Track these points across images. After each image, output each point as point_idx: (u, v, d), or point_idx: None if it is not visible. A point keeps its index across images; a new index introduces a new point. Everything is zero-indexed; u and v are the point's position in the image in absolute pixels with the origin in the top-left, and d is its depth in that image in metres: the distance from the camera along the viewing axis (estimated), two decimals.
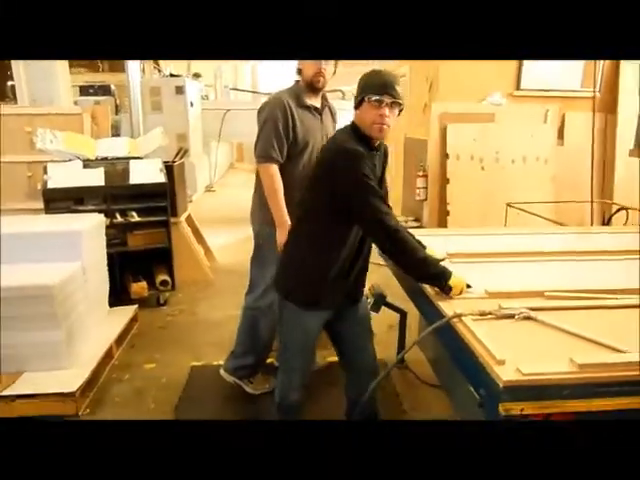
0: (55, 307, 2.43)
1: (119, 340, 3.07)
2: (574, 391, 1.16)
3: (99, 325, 3.00)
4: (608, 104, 4.62)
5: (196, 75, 8.24)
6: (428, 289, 1.73)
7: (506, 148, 4.35)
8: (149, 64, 8.16)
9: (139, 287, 3.63)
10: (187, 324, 3.51)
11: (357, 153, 1.63)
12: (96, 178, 3.54)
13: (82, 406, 2.44)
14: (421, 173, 4.56)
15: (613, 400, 1.16)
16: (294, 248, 1.82)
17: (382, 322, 3.28)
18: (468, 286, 1.70)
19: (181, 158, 4.31)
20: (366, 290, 2.52)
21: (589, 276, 1.89)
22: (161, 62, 8.82)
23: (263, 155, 2.26)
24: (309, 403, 2.02)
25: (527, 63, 4.52)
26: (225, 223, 6.41)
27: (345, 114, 2.55)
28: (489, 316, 1.49)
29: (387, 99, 1.64)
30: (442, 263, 1.75)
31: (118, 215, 3.61)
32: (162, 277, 3.77)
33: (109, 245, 3.34)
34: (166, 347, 3.14)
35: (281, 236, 2.16)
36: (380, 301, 2.46)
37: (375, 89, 1.65)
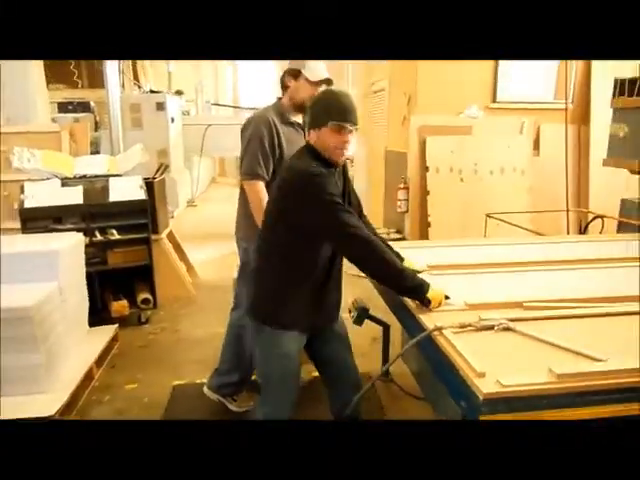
0: (33, 329, 2.38)
1: (99, 361, 3.01)
2: (553, 401, 1.17)
3: (78, 346, 2.95)
4: (581, 115, 4.74)
5: (179, 92, 8.23)
6: (409, 302, 1.74)
7: (484, 159, 4.43)
8: (129, 80, 8.13)
9: (120, 306, 3.57)
10: (169, 342, 3.46)
11: (319, 174, 1.62)
12: (75, 196, 3.50)
13: None
14: (402, 185, 4.60)
15: (592, 409, 1.18)
16: (266, 272, 1.79)
17: (365, 335, 3.28)
18: (447, 297, 1.70)
19: (162, 174, 4.29)
20: (349, 304, 2.54)
21: (567, 285, 1.92)
22: (141, 78, 8.80)
23: (249, 172, 2.25)
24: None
25: (502, 76, 4.62)
26: (207, 238, 6.36)
27: None
28: (469, 328, 1.50)
29: (350, 126, 1.65)
30: (421, 275, 1.76)
31: (98, 233, 3.56)
32: (143, 295, 3.72)
33: (89, 264, 3.29)
34: (148, 366, 3.09)
35: None
36: (363, 315, 2.46)
37: (338, 115, 1.64)
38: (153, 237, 3.81)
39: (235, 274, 3.11)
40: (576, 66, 4.70)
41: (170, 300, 4.05)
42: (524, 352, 1.38)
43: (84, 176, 3.67)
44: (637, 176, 3.56)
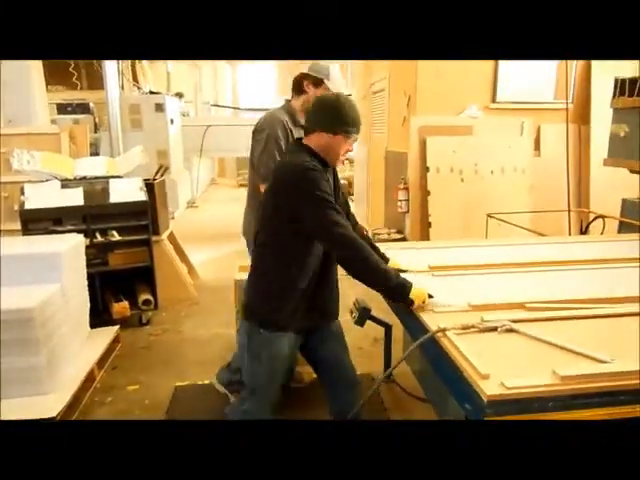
0: (35, 331, 2.38)
1: (101, 362, 3.01)
2: (558, 403, 1.17)
3: (80, 347, 2.94)
4: (581, 115, 4.74)
5: (179, 95, 8.23)
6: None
7: (484, 160, 4.42)
8: (128, 81, 8.12)
9: (121, 307, 3.57)
10: (171, 344, 3.46)
11: (313, 169, 1.63)
12: (75, 198, 3.50)
13: None
14: (402, 186, 4.60)
15: (597, 411, 1.17)
16: (261, 273, 1.79)
17: (367, 335, 3.29)
18: (430, 296, 1.68)
19: (162, 175, 4.29)
20: (350, 304, 2.54)
21: (569, 286, 1.91)
22: (140, 79, 8.80)
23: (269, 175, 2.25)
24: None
25: (502, 76, 4.62)
26: (207, 239, 6.37)
27: None
28: (472, 329, 1.50)
29: (356, 136, 1.72)
30: (407, 275, 1.75)
31: (98, 235, 3.56)
32: (144, 296, 3.72)
33: (89, 265, 3.29)
34: (149, 368, 3.09)
35: None
36: (365, 315, 2.46)
37: (353, 125, 1.70)
38: (154, 238, 3.81)
39: (236, 275, 3.11)
40: (576, 66, 4.70)
41: (171, 301, 4.05)
42: (527, 354, 1.38)
43: (84, 177, 3.67)
44: (637, 176, 3.56)
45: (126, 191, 3.62)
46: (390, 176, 5.34)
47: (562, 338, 1.41)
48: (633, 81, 3.32)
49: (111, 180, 3.64)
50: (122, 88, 7.19)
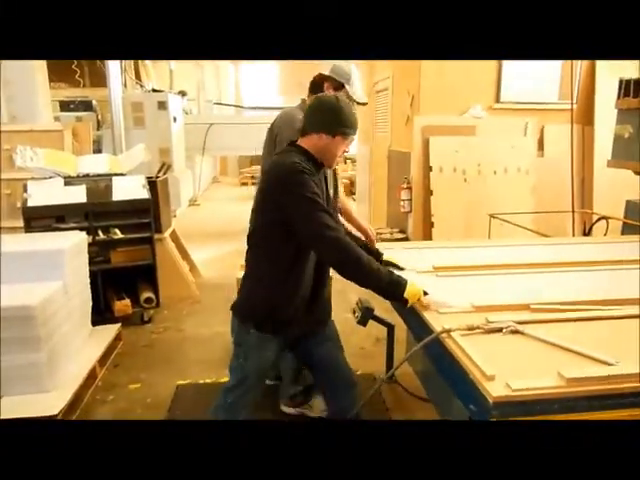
0: (37, 328, 2.38)
1: (102, 360, 3.01)
2: (563, 405, 1.16)
3: (82, 345, 2.94)
4: (585, 116, 4.73)
5: (182, 93, 8.22)
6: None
7: (488, 160, 4.41)
8: (131, 79, 8.12)
9: (123, 305, 3.57)
10: (173, 342, 3.46)
11: (304, 170, 1.62)
12: (78, 195, 3.50)
13: None
14: (405, 185, 4.59)
15: (602, 413, 1.17)
16: (254, 276, 1.78)
17: (370, 335, 3.28)
18: (425, 293, 1.67)
19: (164, 173, 4.29)
20: (353, 304, 2.53)
21: (574, 287, 1.91)
22: (143, 77, 8.79)
23: None
24: None
25: (506, 76, 4.61)
26: (209, 237, 6.37)
27: None
28: (477, 330, 1.49)
29: (354, 137, 1.74)
30: (403, 273, 1.74)
31: (101, 232, 3.56)
32: (146, 294, 3.72)
33: (92, 263, 3.29)
34: (151, 366, 3.09)
35: None
36: (368, 315, 2.45)
37: (352, 127, 1.71)
38: (156, 236, 3.80)
39: (238, 274, 3.11)
40: (581, 66, 4.68)
41: (173, 300, 4.05)
42: (533, 355, 1.37)
43: (87, 175, 3.67)
44: None
45: (129, 189, 3.62)
46: (393, 175, 5.33)
47: (567, 340, 1.40)
48: (638, 82, 3.31)
49: (114, 178, 3.64)
50: (125, 86, 7.19)
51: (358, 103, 2.26)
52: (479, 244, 2.76)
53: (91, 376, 2.80)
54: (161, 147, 6.80)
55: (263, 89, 13.38)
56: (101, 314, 3.45)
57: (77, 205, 3.49)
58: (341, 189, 2.42)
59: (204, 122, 8.27)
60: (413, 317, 1.76)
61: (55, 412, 2.32)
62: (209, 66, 11.97)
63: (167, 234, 4.18)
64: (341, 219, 2.20)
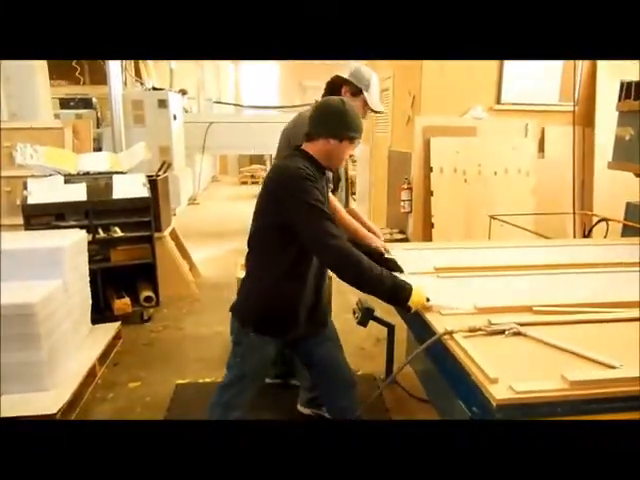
0: (37, 326, 2.37)
1: (102, 358, 3.00)
2: (566, 408, 1.16)
3: (81, 343, 2.94)
4: (586, 118, 4.73)
5: (182, 92, 8.20)
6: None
7: (488, 161, 4.41)
8: (131, 77, 8.10)
9: (122, 303, 3.57)
10: (172, 341, 3.46)
11: (308, 177, 1.61)
12: (78, 193, 3.49)
13: None
14: (405, 186, 4.59)
15: (606, 416, 1.17)
16: (254, 278, 1.78)
17: (370, 336, 3.28)
18: (427, 300, 1.65)
19: (165, 172, 4.28)
20: (353, 304, 2.53)
21: (575, 289, 1.91)
22: (143, 75, 8.77)
23: None
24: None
25: (507, 77, 4.61)
26: (209, 236, 6.36)
27: None
28: (479, 332, 1.49)
29: (360, 140, 1.75)
30: (403, 276, 1.74)
31: (101, 230, 3.55)
32: (146, 293, 3.71)
33: (91, 261, 3.28)
34: (151, 365, 3.08)
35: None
36: (368, 315, 2.45)
37: (358, 130, 1.71)
38: (156, 235, 3.80)
39: (238, 273, 3.10)
40: (581, 68, 4.69)
41: (173, 298, 4.05)
42: (535, 358, 1.37)
43: (87, 173, 3.66)
44: None
45: (129, 187, 3.61)
46: (393, 176, 5.33)
47: (569, 342, 1.40)
48: (639, 84, 3.31)
49: (114, 176, 3.63)
50: (125, 84, 7.17)
51: (374, 111, 2.23)
52: (480, 245, 2.76)
53: (91, 374, 2.79)
54: (161, 145, 6.79)
55: (263, 89, 13.38)
56: (101, 312, 3.44)
57: (77, 203, 3.48)
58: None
59: (204, 121, 8.25)
60: (415, 318, 1.76)
61: (54, 411, 2.31)
62: (209, 65, 11.95)
63: (167, 233, 4.17)
64: (348, 218, 2.18)
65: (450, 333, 1.46)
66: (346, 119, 1.68)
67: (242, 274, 2.84)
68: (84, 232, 3.20)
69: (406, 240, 4.65)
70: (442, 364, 1.52)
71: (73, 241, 2.94)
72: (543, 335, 1.45)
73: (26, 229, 3.37)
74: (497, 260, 2.26)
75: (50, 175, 3.55)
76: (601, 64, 4.68)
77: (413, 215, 4.62)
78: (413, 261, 2.14)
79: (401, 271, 1.94)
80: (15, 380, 2.39)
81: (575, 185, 3.92)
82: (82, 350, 2.90)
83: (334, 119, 1.68)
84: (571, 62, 4.30)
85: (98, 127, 7.53)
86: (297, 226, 1.62)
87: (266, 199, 1.71)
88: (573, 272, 2.11)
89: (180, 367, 3.05)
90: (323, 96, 2.29)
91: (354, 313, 2.51)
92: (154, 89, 7.50)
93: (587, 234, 3.76)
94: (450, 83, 4.45)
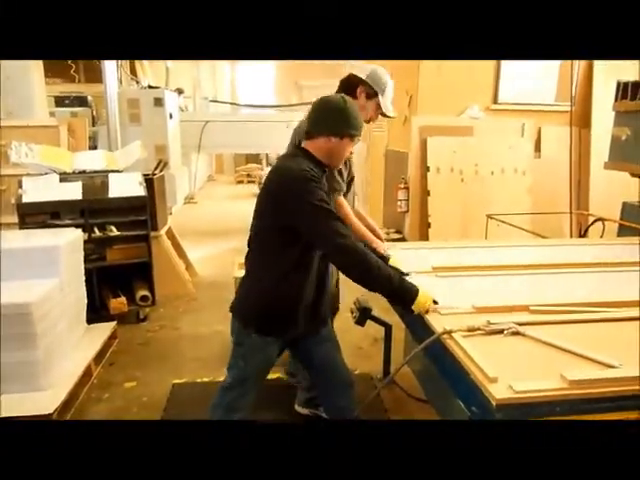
0: (33, 326, 2.35)
1: (98, 358, 2.98)
2: (566, 407, 1.16)
3: (77, 343, 2.92)
4: (582, 118, 4.75)
5: (179, 91, 8.17)
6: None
7: (485, 160, 4.43)
8: (127, 75, 8.06)
9: (118, 303, 3.54)
10: (169, 340, 3.44)
11: (312, 178, 1.61)
12: (73, 192, 3.46)
13: None
14: (402, 185, 4.60)
15: (605, 416, 1.17)
16: (255, 278, 1.77)
17: (367, 335, 3.28)
18: (435, 302, 1.65)
19: (161, 170, 4.26)
20: (351, 304, 2.53)
21: (572, 289, 1.91)
22: (139, 73, 8.73)
23: (333, 188, 2.10)
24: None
25: (504, 77, 4.62)
26: (205, 236, 6.34)
27: None
28: (478, 332, 1.49)
29: (359, 137, 1.74)
30: (407, 278, 1.74)
31: (96, 229, 3.53)
32: (142, 292, 3.69)
33: (87, 260, 3.26)
34: (147, 364, 3.07)
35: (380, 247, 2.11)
36: (366, 315, 2.45)
37: (358, 127, 1.71)
38: (152, 234, 3.78)
39: (235, 272, 3.09)
40: (578, 69, 4.70)
41: (169, 298, 4.03)
42: (534, 357, 1.37)
43: (83, 171, 3.63)
44: (637, 179, 3.56)
45: (125, 186, 3.59)
46: (390, 175, 5.33)
47: (568, 342, 1.40)
48: (636, 84, 3.33)
49: (110, 174, 3.61)
50: (120, 82, 7.13)
51: (385, 116, 2.21)
52: (477, 245, 2.76)
53: (86, 374, 2.77)
54: (157, 144, 6.74)
55: (259, 87, 13.35)
56: (96, 312, 3.42)
57: (73, 202, 3.45)
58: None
59: (200, 120, 8.22)
60: (413, 318, 1.75)
61: (50, 411, 2.30)
62: (205, 64, 11.91)
63: (163, 232, 4.15)
64: (357, 222, 2.17)
65: (449, 332, 1.46)
66: (347, 116, 1.67)
67: (239, 273, 2.84)
68: (80, 231, 3.17)
69: (403, 240, 4.66)
70: (441, 364, 1.52)
71: (69, 240, 2.92)
72: (541, 334, 1.46)
73: (21, 228, 3.34)
74: (494, 260, 2.26)
75: (45, 173, 3.53)
76: (597, 64, 4.70)
77: (410, 215, 4.63)
78: (410, 260, 2.14)
79: (405, 274, 1.93)
80: (11, 380, 2.37)
81: (572, 185, 3.93)
82: (78, 350, 2.88)
83: (335, 117, 1.67)
84: (568, 62, 4.31)
85: (93, 125, 7.48)
86: (303, 227, 1.62)
87: (267, 200, 1.71)
88: (570, 272, 2.12)
89: (177, 367, 3.04)
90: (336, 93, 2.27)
91: (352, 313, 2.51)
92: (150, 87, 7.46)
93: (583, 234, 3.77)
94: (447, 83, 4.46)
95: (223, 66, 13.10)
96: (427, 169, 4.40)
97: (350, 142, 1.71)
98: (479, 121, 4.52)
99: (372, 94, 2.15)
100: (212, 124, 8.12)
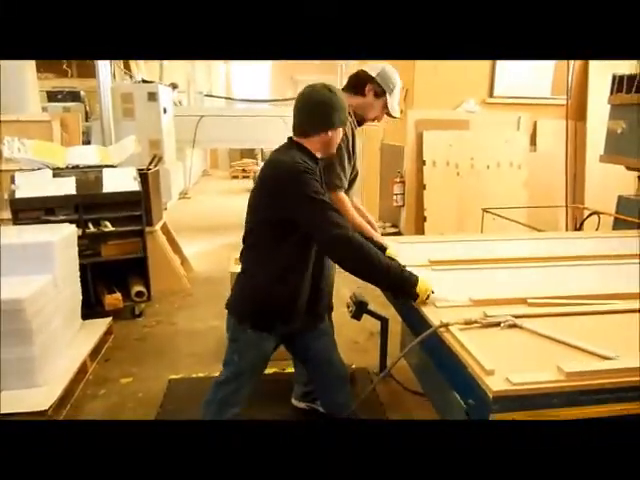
0: (27, 322, 2.34)
1: (93, 354, 2.97)
2: (563, 399, 1.16)
3: (72, 339, 2.91)
4: (577, 111, 4.75)
5: (173, 85, 8.12)
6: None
7: (481, 154, 4.42)
8: (120, 69, 7.99)
9: (113, 299, 3.52)
10: (164, 336, 3.43)
11: (306, 170, 1.61)
12: (67, 187, 3.43)
13: None
14: (398, 179, 4.59)
15: (602, 407, 1.17)
16: (251, 275, 1.76)
17: (364, 329, 3.28)
18: (432, 292, 1.65)
19: (155, 165, 4.23)
20: (347, 298, 2.52)
21: (569, 282, 1.92)
22: (133, 67, 8.66)
23: (339, 185, 2.11)
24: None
25: (500, 71, 4.61)
26: (200, 231, 6.32)
27: None
28: (475, 325, 1.48)
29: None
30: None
31: (91, 225, 3.50)
32: (137, 288, 3.67)
33: (82, 256, 3.24)
34: (143, 360, 3.06)
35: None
36: (362, 309, 2.45)
37: (346, 109, 1.72)
38: (147, 229, 3.75)
39: (231, 267, 3.08)
40: (574, 62, 4.70)
41: (165, 293, 4.02)
42: (531, 349, 1.37)
43: (77, 166, 3.60)
44: (632, 173, 3.57)
45: (120, 181, 3.57)
46: (385, 169, 5.32)
47: (564, 334, 1.40)
48: (631, 78, 3.32)
49: (104, 169, 3.58)
50: (114, 76, 7.07)
51: (391, 116, 2.20)
52: (473, 238, 2.76)
53: (82, 370, 2.76)
54: (151, 139, 6.71)
55: (254, 82, 13.29)
56: (91, 308, 3.40)
57: (66, 197, 3.42)
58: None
59: (195, 114, 8.18)
60: (410, 311, 1.75)
61: (46, 407, 2.29)
62: None
63: (158, 227, 4.13)
64: (358, 218, 2.16)
65: (446, 325, 1.46)
66: (338, 106, 1.68)
67: (235, 268, 2.83)
68: (74, 226, 3.15)
69: (399, 234, 4.65)
70: (438, 357, 1.52)
71: (63, 236, 2.90)
72: (538, 327, 1.46)
73: (14, 224, 3.31)
74: (491, 253, 2.26)
75: (38, 169, 3.49)
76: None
77: (405, 208, 4.62)
78: (407, 254, 2.13)
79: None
80: (5, 376, 2.36)
81: (567, 178, 3.94)
82: (73, 346, 2.86)
83: (327, 111, 1.67)
84: None
85: (86, 120, 7.43)
86: (299, 220, 1.61)
87: (262, 194, 1.70)
88: (567, 264, 2.12)
89: (173, 362, 3.03)
90: (344, 88, 2.20)
91: (348, 307, 2.50)
92: (144, 82, 7.41)
93: (579, 227, 3.78)
94: (443, 76, 4.44)
95: (218, 61, 13.02)
96: (423, 163, 4.39)
97: (342, 128, 1.72)
98: (475, 115, 4.51)
99: (380, 93, 2.13)
100: (207, 119, 8.09)
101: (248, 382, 1.82)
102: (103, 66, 5.70)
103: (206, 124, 8.06)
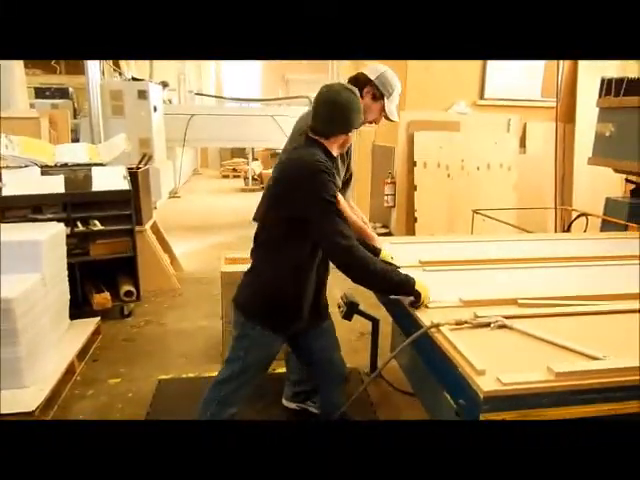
0: (15, 322, 2.30)
1: (81, 354, 2.94)
2: (553, 399, 1.17)
3: (59, 339, 2.87)
4: (566, 114, 4.80)
5: (164, 84, 8.06)
6: (402, 297, 1.72)
7: (471, 156, 4.45)
8: (109, 66, 7.92)
9: (102, 298, 3.49)
10: (153, 336, 3.40)
11: (325, 170, 1.61)
12: (55, 185, 3.39)
13: None
14: (389, 180, 4.60)
15: (591, 407, 1.18)
16: (260, 272, 1.76)
17: (353, 330, 3.28)
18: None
19: (145, 164, 4.20)
20: (338, 298, 2.52)
21: (559, 283, 1.94)
22: (123, 65, 8.59)
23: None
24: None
25: (490, 73, 4.64)
26: (190, 230, 6.29)
27: None
28: (465, 325, 1.49)
29: None
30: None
31: (79, 224, 3.46)
32: (126, 287, 3.64)
33: (70, 255, 3.20)
34: (132, 360, 3.03)
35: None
36: (352, 309, 2.45)
37: (362, 117, 1.75)
38: (137, 228, 3.72)
39: (222, 267, 3.06)
40: (563, 65, 4.74)
41: (154, 293, 3.99)
42: (521, 350, 1.38)
43: (65, 164, 3.56)
44: (620, 175, 3.62)
45: (109, 179, 3.53)
46: (377, 170, 5.33)
47: (554, 334, 1.42)
48: (619, 81, 3.37)
49: (93, 168, 3.54)
50: (103, 74, 7.01)
51: (389, 119, 2.19)
52: (463, 239, 2.77)
53: (69, 371, 2.73)
54: (141, 137, 6.66)
55: (245, 81, 13.26)
56: (79, 308, 3.36)
57: (55, 195, 3.38)
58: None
59: (185, 113, 8.13)
60: (401, 312, 1.76)
61: (33, 408, 2.26)
62: None
63: (148, 226, 4.10)
64: (356, 220, 2.16)
65: (437, 326, 1.47)
66: (358, 107, 1.69)
67: (226, 268, 2.82)
68: (62, 225, 3.11)
69: (389, 234, 4.67)
70: (428, 357, 1.52)
71: (51, 234, 2.87)
72: (528, 328, 1.47)
73: (1, 222, 3.26)
74: (481, 254, 2.27)
75: (26, 166, 3.45)
76: (582, 61, 4.74)
77: (396, 209, 4.64)
78: (398, 255, 2.14)
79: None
80: None
81: (556, 180, 3.98)
82: (60, 346, 2.83)
83: (349, 114, 1.67)
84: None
85: (75, 118, 7.35)
86: (310, 220, 1.62)
87: (278, 190, 1.70)
88: (556, 266, 2.14)
89: (162, 362, 3.00)
90: None
91: (339, 307, 2.50)
92: (134, 79, 7.35)
93: (567, 229, 3.82)
94: (434, 78, 4.47)
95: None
96: (414, 164, 4.41)
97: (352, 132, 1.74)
98: (466, 116, 4.54)
99: (378, 96, 2.12)
100: (197, 118, 8.05)
101: (250, 381, 1.81)
102: (92, 63, 5.65)
103: (197, 123, 8.02)
